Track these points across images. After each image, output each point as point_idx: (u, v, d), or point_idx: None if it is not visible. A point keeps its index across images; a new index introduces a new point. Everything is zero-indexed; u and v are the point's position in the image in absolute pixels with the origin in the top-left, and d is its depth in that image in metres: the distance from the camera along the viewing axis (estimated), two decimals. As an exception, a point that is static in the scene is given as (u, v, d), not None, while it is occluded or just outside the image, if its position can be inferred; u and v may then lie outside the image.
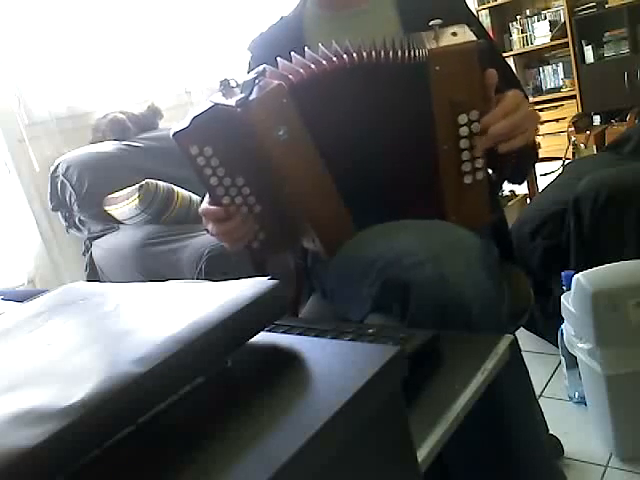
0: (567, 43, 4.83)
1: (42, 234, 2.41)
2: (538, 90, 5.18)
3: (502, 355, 0.61)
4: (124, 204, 2.17)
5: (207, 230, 1.01)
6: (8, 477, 0.34)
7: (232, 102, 0.85)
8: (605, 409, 1.44)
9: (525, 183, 3.10)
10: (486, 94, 0.88)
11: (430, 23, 0.89)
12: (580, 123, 4.17)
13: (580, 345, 1.46)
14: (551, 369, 1.90)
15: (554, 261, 1.93)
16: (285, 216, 0.98)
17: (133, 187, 2.13)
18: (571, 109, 4.78)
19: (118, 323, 0.53)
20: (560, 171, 2.67)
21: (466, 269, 0.78)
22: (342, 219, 0.94)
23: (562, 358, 1.70)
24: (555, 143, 4.49)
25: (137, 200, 2.11)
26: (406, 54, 0.88)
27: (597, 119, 4.67)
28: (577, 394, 1.69)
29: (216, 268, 1.75)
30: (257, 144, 0.87)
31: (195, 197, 2.22)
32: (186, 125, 0.90)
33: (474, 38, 0.85)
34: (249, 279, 0.53)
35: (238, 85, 0.89)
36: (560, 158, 4.05)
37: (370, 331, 0.64)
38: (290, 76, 0.89)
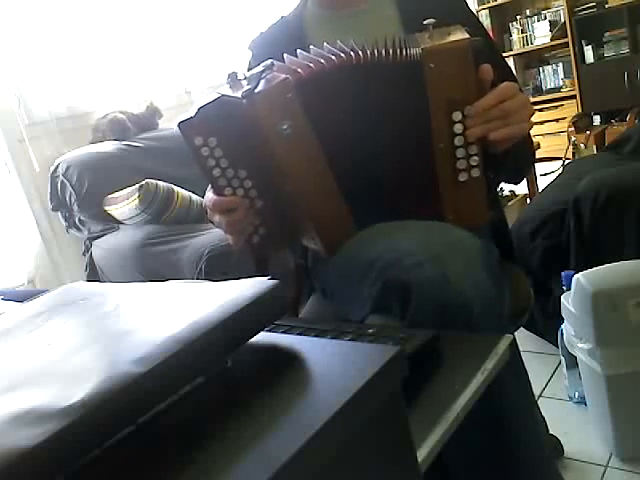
0: (567, 43, 4.83)
1: (42, 234, 2.41)
2: (538, 90, 5.18)
3: (502, 355, 0.61)
4: (124, 204, 2.17)
5: (211, 222, 1.01)
6: (8, 477, 0.34)
7: (238, 94, 0.85)
8: (605, 409, 1.44)
9: (525, 183, 3.10)
10: (481, 91, 0.88)
11: (424, 22, 0.89)
12: (580, 123, 4.17)
13: (580, 345, 1.46)
14: (551, 369, 1.90)
15: (554, 261, 1.92)
16: (286, 213, 0.98)
17: (133, 187, 2.13)
18: (571, 109, 4.78)
19: (118, 323, 0.53)
20: (560, 171, 2.67)
21: (466, 269, 0.78)
22: (343, 217, 0.94)
23: (562, 358, 1.70)
24: (555, 143, 4.49)
25: (137, 200, 2.11)
26: (401, 53, 0.88)
27: (597, 119, 4.67)
28: (577, 394, 1.69)
29: (216, 268, 1.75)
30: (261, 137, 0.87)
31: (195, 197, 2.22)
32: (191, 115, 0.90)
33: (467, 36, 0.86)
34: (249, 279, 0.53)
35: (245, 78, 0.90)
36: (560, 158, 4.05)
37: (370, 331, 0.64)
38: (298, 70, 0.89)
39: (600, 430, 1.52)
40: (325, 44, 0.93)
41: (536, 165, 3.34)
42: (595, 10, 4.67)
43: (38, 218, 2.40)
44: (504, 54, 4.95)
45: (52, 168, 2.31)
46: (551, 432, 1.50)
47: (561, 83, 5.06)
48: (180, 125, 0.90)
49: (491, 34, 4.93)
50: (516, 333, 0.89)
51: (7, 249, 2.33)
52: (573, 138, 4.04)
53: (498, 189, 1.98)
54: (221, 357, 0.48)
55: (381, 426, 0.45)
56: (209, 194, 0.99)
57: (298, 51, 0.94)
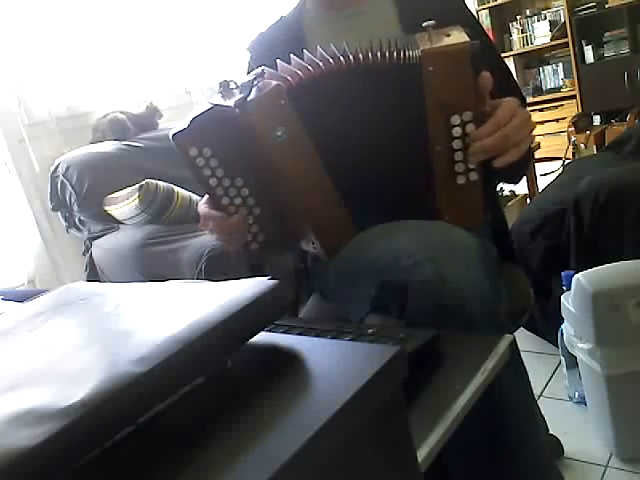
0: (567, 43, 4.83)
1: (42, 234, 2.41)
2: (538, 90, 5.18)
3: (502, 355, 0.61)
4: (124, 204, 2.17)
5: (207, 230, 1.01)
6: (8, 477, 0.34)
7: (231, 103, 0.85)
8: (605, 409, 1.44)
9: (525, 183, 3.10)
10: (479, 95, 0.88)
11: (423, 24, 0.89)
12: (580, 123, 4.17)
13: (580, 345, 1.46)
14: (551, 369, 1.90)
15: (554, 261, 1.92)
16: (284, 218, 0.98)
17: (133, 187, 2.13)
18: (571, 109, 4.78)
19: (118, 323, 0.53)
20: (560, 171, 2.67)
21: (465, 269, 0.78)
22: (342, 220, 0.94)
23: (562, 358, 1.70)
24: (555, 143, 4.49)
25: (137, 200, 2.11)
26: (400, 55, 0.88)
27: (597, 119, 4.67)
28: (577, 394, 1.69)
29: (216, 268, 1.75)
30: (256, 145, 0.87)
31: (195, 197, 2.22)
32: (185, 126, 0.90)
33: (467, 39, 0.85)
34: (249, 279, 0.53)
35: (237, 86, 0.90)
36: (560, 158, 4.05)
37: (370, 331, 0.64)
38: (289, 78, 0.89)
39: (600, 430, 1.52)
40: (319, 48, 0.93)
41: (536, 165, 3.34)
42: (595, 10, 4.67)
43: (38, 218, 2.40)
44: (504, 54, 4.96)
45: (52, 168, 2.31)
46: (551, 432, 1.50)
47: (561, 83, 5.06)
48: (174, 137, 0.90)
49: (491, 34, 4.93)
50: (516, 333, 0.89)
51: (7, 249, 2.33)
52: (573, 138, 4.04)
53: (498, 189, 1.98)
54: (221, 357, 0.48)
55: (381, 426, 0.45)
56: (202, 203, 0.98)
57: (292, 57, 0.94)
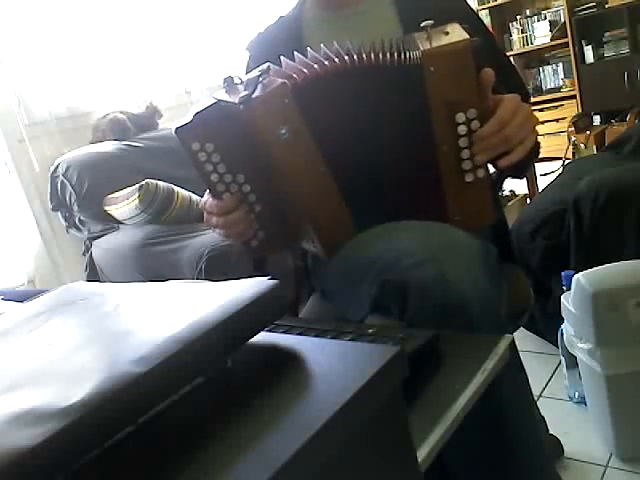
0: (567, 43, 4.83)
1: (42, 234, 2.41)
2: (538, 90, 5.17)
3: (502, 355, 0.61)
4: (124, 204, 2.17)
5: (210, 225, 1.01)
6: (8, 477, 0.34)
7: (235, 99, 0.85)
8: (605, 409, 1.44)
9: (525, 183, 3.10)
10: (483, 91, 0.88)
11: (422, 24, 0.89)
12: (580, 123, 4.17)
13: (580, 345, 1.46)
14: (551, 369, 1.90)
15: (554, 261, 1.92)
16: (285, 216, 0.98)
17: (133, 187, 2.13)
18: (571, 109, 4.78)
19: (118, 323, 0.53)
20: (560, 171, 2.67)
21: (465, 269, 0.78)
22: (342, 220, 0.94)
23: (562, 358, 1.70)
24: (555, 143, 4.48)
25: (137, 200, 2.11)
26: (401, 56, 0.88)
27: (597, 119, 4.67)
28: (577, 394, 1.69)
29: (216, 268, 1.75)
30: (258, 142, 0.87)
31: (195, 197, 2.22)
32: (188, 121, 0.90)
33: (467, 36, 0.85)
34: (249, 279, 0.53)
35: (242, 82, 0.89)
36: (560, 158, 4.05)
37: (370, 331, 0.64)
38: (294, 75, 0.89)
39: (600, 430, 1.52)
40: (322, 46, 0.93)
41: (536, 165, 3.34)
42: (595, 10, 4.67)
43: (38, 218, 2.40)
44: (504, 54, 4.95)
45: (52, 168, 2.31)
46: (551, 432, 1.50)
47: (561, 83, 5.06)
48: (177, 131, 0.90)
49: (492, 32, 4.92)
50: (516, 333, 0.89)
51: (7, 249, 2.33)
52: (573, 138, 4.04)
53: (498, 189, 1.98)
54: (221, 357, 0.48)
55: (381, 426, 0.45)
56: (207, 198, 0.99)
57: (295, 54, 0.94)
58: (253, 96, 0.83)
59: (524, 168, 1.14)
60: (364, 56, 0.89)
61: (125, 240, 2.17)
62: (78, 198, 2.26)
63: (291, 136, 0.85)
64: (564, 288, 1.58)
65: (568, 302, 1.50)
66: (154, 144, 2.46)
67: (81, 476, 0.38)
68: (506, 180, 1.30)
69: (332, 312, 1.07)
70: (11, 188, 2.36)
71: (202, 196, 1.03)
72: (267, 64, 0.87)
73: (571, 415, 1.67)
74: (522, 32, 5.14)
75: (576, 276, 1.45)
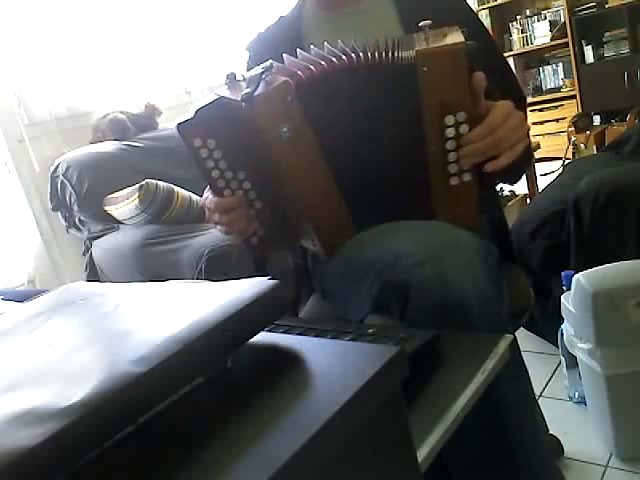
0: (567, 43, 4.83)
1: (42, 234, 2.41)
2: (538, 90, 5.17)
3: (502, 355, 0.61)
4: (124, 204, 2.17)
5: (211, 222, 1.01)
6: (8, 477, 0.34)
7: (237, 96, 0.85)
8: (605, 409, 1.44)
9: (525, 183, 3.10)
10: (475, 95, 0.88)
11: (420, 24, 0.89)
12: (580, 123, 4.17)
13: (580, 345, 1.46)
14: (551, 369, 1.90)
15: (554, 261, 1.92)
16: (285, 214, 0.98)
17: (133, 187, 2.13)
18: (571, 109, 4.78)
19: (118, 323, 0.53)
20: (560, 171, 2.67)
21: (466, 269, 0.78)
22: (342, 219, 0.94)
23: (562, 358, 1.70)
24: (555, 143, 4.49)
25: (137, 200, 2.11)
26: (395, 55, 0.88)
27: (597, 119, 4.67)
28: (577, 394, 1.69)
29: (216, 268, 1.75)
30: (260, 140, 0.87)
31: (195, 197, 2.22)
32: (190, 117, 0.89)
33: (463, 39, 0.85)
34: (249, 279, 0.53)
35: (244, 79, 0.89)
36: (560, 158, 4.05)
37: (370, 331, 0.64)
38: (298, 72, 0.89)
39: (600, 430, 1.52)
40: (325, 44, 0.93)
41: (536, 165, 3.34)
42: (595, 10, 4.67)
43: (38, 218, 2.40)
44: (504, 54, 4.95)
45: (52, 168, 2.31)
46: (551, 432, 1.50)
47: (561, 83, 5.06)
48: (178, 126, 0.90)
49: (491, 34, 4.92)
50: (516, 333, 0.89)
51: (7, 249, 2.33)
52: (573, 138, 4.04)
53: (498, 189, 1.98)
54: (221, 357, 0.48)
55: (381, 426, 0.45)
56: (208, 194, 0.99)
57: (298, 51, 0.94)
58: (255, 94, 0.83)
59: (516, 174, 1.14)
60: (361, 55, 0.89)
61: (125, 240, 2.17)
62: (78, 198, 2.26)
63: (293, 134, 0.85)
64: (564, 288, 1.58)
65: (568, 302, 1.50)
66: (154, 144, 2.46)
67: (81, 476, 0.38)
68: (498, 185, 1.30)
69: (332, 312, 1.07)
70: (11, 188, 2.36)
71: (202, 196, 1.03)
72: (270, 61, 0.87)
73: (571, 415, 1.67)
74: (522, 32, 5.14)
75: (576, 276, 1.45)
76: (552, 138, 4.67)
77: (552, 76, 5.14)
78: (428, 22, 0.88)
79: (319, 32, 1.13)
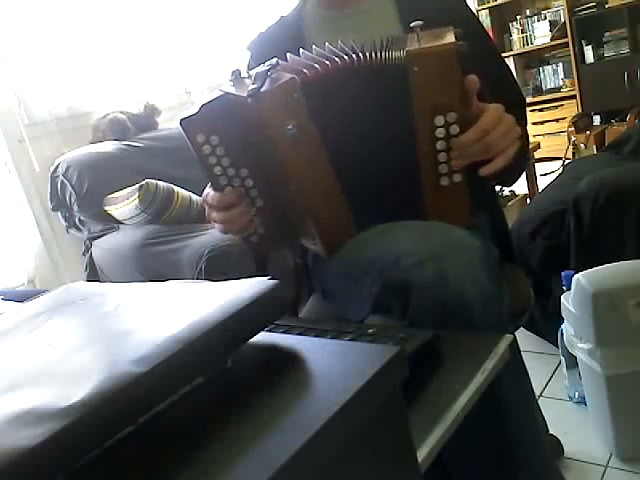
0: (567, 43, 4.83)
1: (42, 234, 2.41)
2: (538, 90, 5.17)
3: (502, 355, 0.61)
4: (124, 204, 2.17)
5: (211, 219, 1.00)
6: (8, 477, 0.34)
7: (243, 92, 0.85)
8: (605, 409, 1.44)
9: (525, 183, 3.10)
10: (466, 96, 0.88)
11: (411, 25, 0.89)
12: (580, 123, 4.17)
13: (580, 345, 1.46)
14: (551, 369, 1.90)
15: (554, 261, 1.92)
16: (286, 212, 0.98)
17: (133, 187, 2.13)
18: (571, 109, 4.78)
19: (118, 323, 0.53)
20: (560, 171, 2.67)
21: (466, 269, 0.78)
22: (343, 218, 0.94)
23: (562, 358, 1.70)
24: (555, 143, 4.49)
25: (137, 200, 2.10)
26: (387, 56, 0.88)
27: (597, 119, 4.67)
28: (577, 394, 1.69)
29: (216, 268, 1.75)
30: (264, 136, 0.87)
31: (195, 197, 2.22)
32: (194, 112, 0.89)
33: (454, 40, 0.85)
34: (249, 279, 0.53)
35: (249, 76, 0.89)
36: (560, 158, 4.05)
37: (370, 331, 0.64)
38: (304, 70, 0.89)
39: (600, 430, 1.52)
40: (327, 44, 0.93)
41: (536, 165, 3.34)
42: (595, 10, 4.67)
43: (38, 218, 2.40)
44: (504, 54, 4.95)
45: (52, 168, 2.31)
46: (551, 432, 1.50)
47: (561, 83, 5.06)
48: (182, 122, 0.89)
49: (491, 34, 4.92)
50: (516, 333, 0.89)
51: (7, 249, 2.33)
52: (573, 138, 4.04)
53: (498, 189, 1.98)
54: (221, 357, 0.48)
55: (381, 426, 0.45)
56: (208, 191, 0.98)
57: (301, 51, 0.94)
58: (262, 90, 0.83)
59: (511, 177, 1.14)
60: (360, 55, 0.89)
61: (125, 240, 2.17)
62: (78, 198, 2.26)
63: (298, 131, 0.85)
64: (564, 288, 1.58)
65: (568, 302, 1.50)
66: (154, 144, 2.46)
67: (81, 476, 0.38)
68: (497, 186, 1.30)
69: (332, 312, 1.07)
70: (11, 188, 2.36)
71: (202, 191, 1.03)
72: (275, 59, 0.87)
73: (571, 415, 1.67)
74: (522, 32, 5.14)
75: (576, 276, 1.45)
76: (552, 138, 4.67)
77: (552, 76, 5.14)
78: (420, 22, 0.88)
79: (320, 32, 1.13)
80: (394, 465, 0.46)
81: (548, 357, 1.96)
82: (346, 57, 0.90)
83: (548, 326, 1.90)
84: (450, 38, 0.85)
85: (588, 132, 4.01)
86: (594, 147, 3.91)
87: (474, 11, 4.51)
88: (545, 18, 5.03)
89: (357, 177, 0.92)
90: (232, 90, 0.90)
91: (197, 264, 1.79)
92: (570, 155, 3.99)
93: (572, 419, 1.65)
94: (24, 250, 2.37)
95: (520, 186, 3.11)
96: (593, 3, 4.68)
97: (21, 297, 0.82)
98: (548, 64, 5.15)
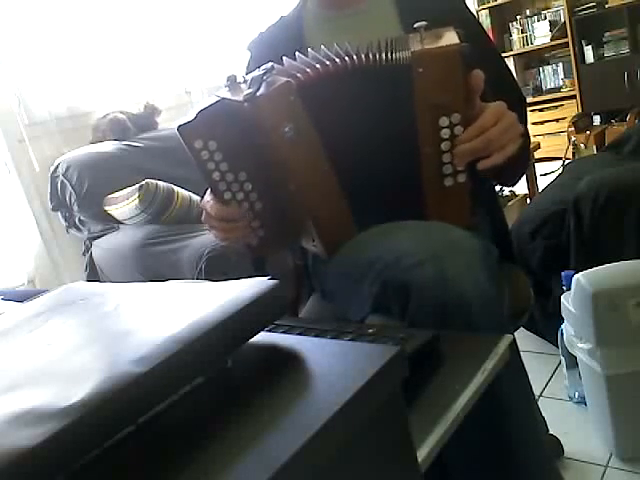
0: (567, 43, 4.83)
1: (42, 234, 2.41)
2: (538, 90, 5.18)
3: (502, 355, 0.61)
4: (124, 204, 2.17)
5: (208, 225, 1.01)
6: (8, 477, 0.34)
7: (239, 97, 0.85)
8: (605, 409, 1.44)
9: (525, 183, 3.10)
10: (469, 97, 0.88)
11: (415, 25, 0.89)
12: (580, 123, 4.17)
13: (580, 345, 1.46)
14: (551, 369, 1.90)
15: (554, 261, 1.92)
16: (286, 214, 0.98)
17: (133, 187, 2.13)
18: (571, 109, 4.78)
19: (118, 323, 0.53)
20: (560, 171, 2.67)
21: (466, 269, 0.78)
22: (343, 219, 0.94)
23: (562, 358, 1.70)
24: (555, 143, 4.49)
25: (137, 200, 2.11)
26: (390, 57, 0.88)
27: (597, 119, 4.67)
28: (577, 394, 1.69)
29: (216, 268, 1.75)
30: (262, 140, 0.87)
31: (195, 197, 2.22)
32: (191, 118, 0.89)
33: (458, 41, 0.85)
34: (249, 279, 0.53)
35: (245, 81, 0.89)
36: (560, 158, 4.05)
37: (370, 331, 0.64)
38: (298, 74, 0.89)
39: (600, 430, 1.52)
40: (322, 47, 0.93)
41: (536, 165, 3.34)
42: (595, 10, 4.67)
43: (38, 218, 2.40)
44: (504, 54, 4.95)
45: (52, 168, 2.31)
46: (551, 432, 1.50)
47: (561, 83, 5.06)
48: (179, 128, 0.90)
49: (491, 34, 4.93)
50: (516, 333, 0.89)
51: (7, 249, 2.33)
52: (573, 138, 4.04)
53: (498, 189, 1.98)
54: (221, 357, 0.48)
55: (381, 426, 0.45)
56: (209, 198, 0.98)
57: (297, 54, 0.94)
58: (258, 94, 0.83)
59: (512, 176, 1.14)
60: (362, 56, 0.89)
61: (125, 240, 2.17)
62: (78, 198, 2.26)
63: (295, 134, 0.85)
64: (564, 288, 1.58)
65: (568, 302, 1.50)
66: (154, 144, 2.46)
67: (81, 476, 0.38)
68: (497, 185, 1.30)
69: (332, 312, 1.07)
70: (11, 188, 2.35)
71: (202, 196, 1.03)
72: (271, 63, 0.88)
73: (571, 415, 1.67)
74: (522, 32, 5.15)
75: (576, 276, 1.45)
76: (552, 138, 4.67)
77: (552, 76, 5.14)
78: (423, 23, 0.88)
79: (320, 32, 1.13)
80: (394, 465, 0.46)
81: (548, 357, 1.96)
82: (346, 58, 0.90)
83: (548, 326, 1.90)
84: (454, 39, 0.86)
85: (588, 132, 4.01)
86: (594, 147, 3.91)
87: (474, 11, 4.52)
88: (545, 18, 5.03)
89: (357, 178, 0.92)
90: (228, 95, 0.90)
91: (197, 264, 1.79)
92: (570, 155, 3.98)
93: (572, 419, 1.65)
94: (24, 250, 2.37)
95: (520, 186, 3.11)
96: (593, 3, 4.68)
97: (21, 297, 0.82)
98: (548, 64, 5.16)
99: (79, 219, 2.32)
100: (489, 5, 5.17)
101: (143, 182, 2.12)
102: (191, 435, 0.41)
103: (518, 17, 5.14)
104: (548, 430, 1.48)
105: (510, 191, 3.12)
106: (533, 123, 4.79)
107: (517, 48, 5.19)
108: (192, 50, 3.05)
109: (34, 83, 2.44)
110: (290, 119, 0.85)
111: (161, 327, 0.47)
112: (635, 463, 1.43)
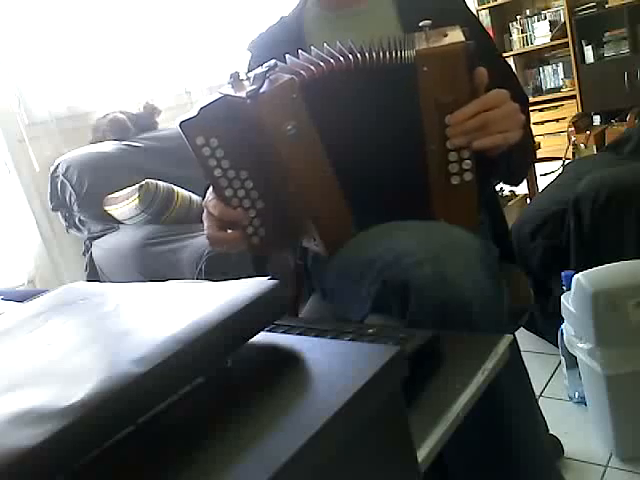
0: (567, 43, 4.83)
1: (42, 234, 2.41)
2: (538, 90, 5.18)
3: (502, 355, 0.61)
4: (124, 204, 2.17)
5: (205, 224, 1.00)
6: (8, 477, 0.34)
7: (242, 94, 0.85)
8: (605, 409, 1.44)
9: (525, 183, 3.10)
10: (475, 95, 0.88)
11: (420, 24, 0.89)
12: (580, 123, 4.17)
13: (580, 345, 1.46)
14: (551, 369, 1.90)
15: (554, 261, 1.92)
16: (286, 213, 0.98)
17: (133, 187, 2.13)
18: (571, 109, 4.78)
19: (118, 323, 0.53)
20: (560, 171, 2.67)
21: (466, 269, 0.78)
22: (344, 218, 0.94)
23: (562, 358, 1.70)
24: (555, 143, 4.49)
25: (137, 200, 2.11)
26: (395, 55, 0.88)
27: (597, 119, 4.67)
28: (577, 394, 1.69)
29: (216, 268, 1.75)
30: (264, 138, 0.87)
31: (195, 197, 2.22)
32: (193, 115, 0.89)
33: (463, 39, 0.85)
34: (249, 279, 0.53)
35: (248, 78, 0.89)
36: (560, 158, 4.05)
37: (370, 331, 0.64)
38: (302, 72, 0.89)
39: (600, 430, 1.52)
40: (325, 45, 0.93)
41: (536, 165, 3.34)
42: (595, 10, 4.67)
43: (38, 218, 2.40)
44: (504, 54, 4.95)
45: (52, 168, 2.31)
46: (551, 432, 1.50)
47: (561, 83, 5.06)
48: (181, 124, 0.89)
49: (491, 34, 4.92)
50: (516, 333, 0.89)
51: (7, 249, 2.33)
52: (573, 138, 4.04)
53: (498, 189, 1.98)
54: (221, 357, 0.48)
55: (381, 426, 0.45)
56: (212, 197, 0.98)
57: (300, 52, 0.94)
58: (261, 91, 0.83)
59: (516, 172, 1.13)
60: (366, 55, 0.89)
61: (125, 240, 2.17)
62: (78, 198, 2.26)
63: (298, 132, 0.85)
64: (564, 288, 1.58)
65: (568, 302, 1.50)
66: (154, 144, 2.46)
67: (81, 476, 0.38)
68: (498, 184, 1.30)
69: (332, 312, 1.07)
70: (11, 188, 2.36)
71: (202, 196, 1.03)
72: (274, 61, 0.87)
73: (571, 415, 1.67)
74: (522, 32, 5.15)
75: (576, 276, 1.45)
76: (552, 138, 4.67)
77: (552, 76, 5.14)
78: (429, 22, 0.88)
79: (320, 32, 1.13)
80: (394, 465, 0.46)
81: (548, 357, 1.96)
82: (350, 56, 0.90)
83: (548, 326, 1.90)
84: (459, 37, 0.85)
85: (588, 132, 4.01)
86: (594, 147, 3.91)
87: (474, 11, 4.52)
88: (545, 18, 5.03)
89: (359, 177, 0.92)
90: (231, 92, 0.90)
91: (197, 264, 1.79)
92: (570, 155, 3.98)
93: (572, 419, 1.65)
94: (24, 250, 2.37)
95: (520, 186, 3.11)
96: (593, 3, 4.68)
97: (21, 297, 0.82)
98: (548, 64, 5.16)
99: (79, 219, 2.32)
100: (489, 5, 5.17)
101: (143, 182, 2.12)
102: (191, 435, 0.41)
103: (518, 17, 5.14)
104: (548, 430, 1.48)
105: (510, 191, 3.12)
106: (533, 123, 4.76)
107: (517, 48, 5.19)
108: (192, 50, 3.05)
109: (34, 83, 2.44)
110: (292, 117, 0.85)
111: (161, 327, 0.47)
112: (635, 463, 1.43)
